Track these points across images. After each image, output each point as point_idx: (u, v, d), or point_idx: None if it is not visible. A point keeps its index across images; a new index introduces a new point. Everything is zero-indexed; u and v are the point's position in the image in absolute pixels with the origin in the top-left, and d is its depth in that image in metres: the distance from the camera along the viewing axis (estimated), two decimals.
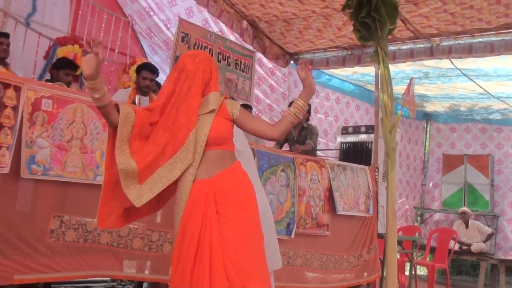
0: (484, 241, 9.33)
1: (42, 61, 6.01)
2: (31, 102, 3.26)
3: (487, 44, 6.72)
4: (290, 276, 5.00)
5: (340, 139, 7.85)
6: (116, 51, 6.66)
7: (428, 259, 8.98)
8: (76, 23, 6.39)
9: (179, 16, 6.62)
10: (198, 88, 2.80)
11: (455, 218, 10.40)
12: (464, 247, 9.08)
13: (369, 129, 7.40)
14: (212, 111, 2.83)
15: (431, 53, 7.14)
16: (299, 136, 6.51)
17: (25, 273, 3.20)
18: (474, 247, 9.00)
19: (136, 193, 2.64)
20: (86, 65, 2.50)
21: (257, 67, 8.00)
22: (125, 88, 6.24)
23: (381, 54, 5.07)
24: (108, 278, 5.00)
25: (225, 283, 2.53)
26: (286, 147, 6.76)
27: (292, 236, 4.97)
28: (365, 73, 8.72)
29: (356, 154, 7.33)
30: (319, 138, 7.31)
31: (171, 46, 6.65)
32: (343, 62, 7.92)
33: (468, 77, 8.19)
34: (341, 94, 9.67)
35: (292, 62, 8.41)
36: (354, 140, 7.57)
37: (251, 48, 7.59)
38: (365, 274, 5.92)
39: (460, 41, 6.93)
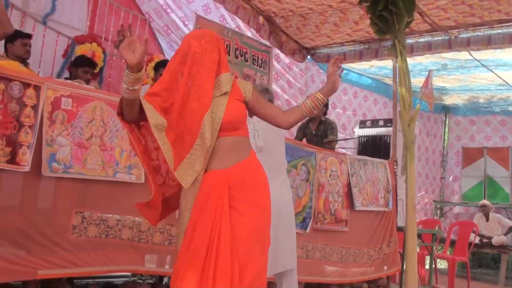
0: (505, 234, 9.23)
1: (60, 60, 6.07)
2: (51, 101, 3.30)
3: (506, 35, 6.64)
4: (310, 270, 5.00)
5: (358, 132, 7.81)
6: None
7: (448, 253, 8.91)
8: (94, 21, 6.45)
9: (196, 13, 6.64)
10: (210, 70, 2.57)
11: (475, 211, 10.31)
12: (485, 240, 9.00)
13: (387, 122, 7.36)
14: (225, 93, 2.61)
15: (449, 45, 7.07)
16: (317, 130, 6.48)
17: (49, 268, 3.26)
18: (495, 240, 8.91)
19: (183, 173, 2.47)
20: (128, 53, 2.24)
21: (274, 63, 8.00)
22: (143, 85, 6.27)
23: (399, 47, 5.03)
24: (129, 273, 5.05)
25: (228, 283, 2.37)
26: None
27: (308, 230, 4.97)
28: (382, 66, 8.67)
29: (375, 147, 7.30)
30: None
31: None
32: (360, 56, 7.87)
33: (487, 68, 8.11)
34: (359, 88, 9.63)
35: (309, 57, 8.39)
36: (372, 133, 7.53)
37: (268, 43, 7.59)
38: (385, 267, 5.91)
39: (478, 33, 6.84)
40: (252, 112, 2.81)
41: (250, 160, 2.63)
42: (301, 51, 8.20)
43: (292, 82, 8.42)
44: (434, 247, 6.95)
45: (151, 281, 5.05)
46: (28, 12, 5.82)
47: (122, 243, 3.63)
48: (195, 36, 2.64)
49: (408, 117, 4.90)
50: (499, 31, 6.68)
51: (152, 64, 6.11)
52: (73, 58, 5.75)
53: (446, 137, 11.79)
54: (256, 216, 2.54)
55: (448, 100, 10.84)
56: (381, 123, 7.57)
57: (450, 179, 11.62)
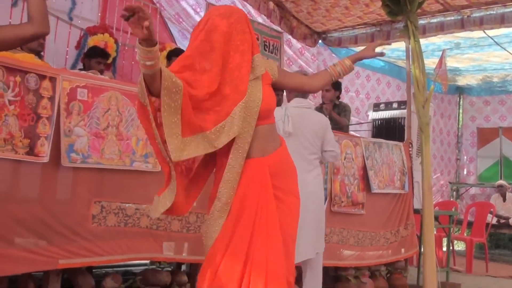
0: None
1: (73, 51, 6.11)
2: (67, 92, 3.33)
3: None
4: (327, 254, 4.99)
5: (372, 115, 7.79)
6: None
7: (465, 234, 8.90)
8: (106, 12, 6.47)
9: (206, 0, 6.63)
10: (244, 54, 2.37)
11: (492, 192, 10.27)
12: (502, 221, 8.97)
13: (401, 104, 7.33)
14: (257, 78, 2.44)
15: (462, 25, 7.01)
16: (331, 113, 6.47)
17: (70, 258, 3.30)
18: None
19: (177, 145, 2.23)
20: (136, 27, 2.10)
21: (286, 48, 7.98)
22: None
23: (411, 28, 5.00)
24: (147, 261, 5.10)
25: (283, 268, 2.35)
26: None
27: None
28: (394, 48, 8.62)
29: (389, 130, 7.27)
30: (351, 117, 7.27)
31: None
32: (372, 39, 7.82)
33: (500, 46, 8.03)
34: (371, 71, 9.60)
35: (320, 41, 8.36)
36: (387, 116, 7.50)
37: (279, 29, 7.57)
38: (403, 250, 5.91)
39: (491, 11, 6.78)
40: (281, 88, 2.77)
41: (283, 148, 2.57)
42: (312, 36, 8.18)
43: (304, 67, 8.40)
44: (451, 229, 6.94)
45: (169, 269, 5.09)
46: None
47: (141, 231, 3.67)
48: (221, 14, 2.39)
49: (422, 98, 4.88)
50: None
51: (164, 53, 6.11)
52: (86, 50, 5.78)
53: (460, 118, 11.73)
54: (292, 204, 2.51)
55: (462, 81, 10.78)
56: (395, 105, 7.53)
57: (466, 160, 11.57)
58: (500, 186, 9.42)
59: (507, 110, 11.05)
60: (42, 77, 3.22)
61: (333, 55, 8.77)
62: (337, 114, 6.38)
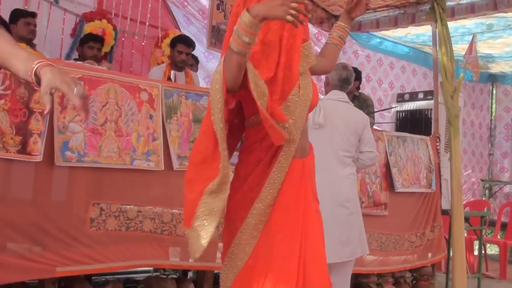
0: None
1: (69, 40, 6.12)
2: None
3: None
4: None
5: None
6: (147, 24, 6.71)
7: (499, 237, 8.86)
8: None
9: None
10: (296, 38, 2.23)
11: None
12: None
13: (428, 95, 7.28)
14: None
15: (495, 6, 6.93)
16: None
17: (68, 265, 3.31)
18: None
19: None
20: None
21: None
22: (158, 64, 6.30)
23: (438, 10, 4.99)
24: (150, 268, 5.11)
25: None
26: None
27: None
28: (420, 33, 8.57)
29: (414, 123, 7.23)
30: None
31: (207, 15, 6.66)
32: (395, 23, 7.77)
33: None
34: (395, 58, 9.53)
35: None
36: (412, 107, 7.47)
37: None
38: (429, 254, 5.89)
39: None
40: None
41: (312, 151, 2.51)
42: (330, 20, 8.13)
43: None
44: (483, 231, 6.91)
45: (174, 276, 5.11)
46: None
47: (144, 235, 3.67)
48: None
49: (451, 88, 4.87)
50: None
51: (168, 40, 6.11)
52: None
53: (493, 109, 11.64)
54: (319, 209, 2.50)
55: (495, 68, 10.69)
56: (420, 96, 7.49)
57: (499, 155, 11.50)
58: None
59: None
60: None
61: (353, 41, 8.72)
62: (358, 108, 6.32)
